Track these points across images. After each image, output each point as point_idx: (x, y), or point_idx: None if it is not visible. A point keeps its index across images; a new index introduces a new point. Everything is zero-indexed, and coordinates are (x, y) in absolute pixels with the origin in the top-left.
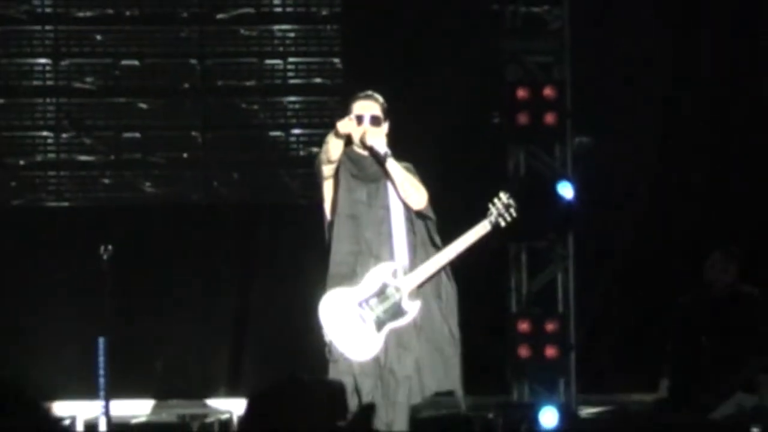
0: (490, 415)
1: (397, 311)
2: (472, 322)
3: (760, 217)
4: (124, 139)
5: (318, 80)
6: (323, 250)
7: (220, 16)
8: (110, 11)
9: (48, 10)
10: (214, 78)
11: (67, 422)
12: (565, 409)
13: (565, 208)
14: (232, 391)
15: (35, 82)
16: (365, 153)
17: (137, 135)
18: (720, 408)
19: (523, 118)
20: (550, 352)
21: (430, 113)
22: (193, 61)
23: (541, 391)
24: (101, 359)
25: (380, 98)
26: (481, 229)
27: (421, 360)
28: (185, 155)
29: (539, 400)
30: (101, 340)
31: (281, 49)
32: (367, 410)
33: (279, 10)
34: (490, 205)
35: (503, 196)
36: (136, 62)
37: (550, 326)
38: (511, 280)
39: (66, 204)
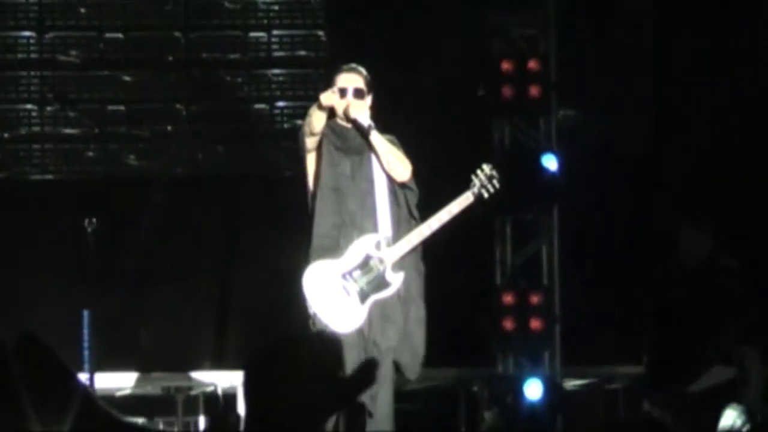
0: (475, 388)
1: (380, 283)
2: (457, 294)
3: (751, 193)
4: (108, 112)
5: (302, 53)
6: (308, 222)
7: None
8: None
9: None
10: (198, 51)
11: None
12: (550, 381)
13: (550, 180)
14: (217, 364)
15: (19, 55)
16: (348, 126)
17: (122, 108)
18: (698, 381)
19: (507, 91)
20: (535, 324)
21: (414, 86)
22: (178, 34)
23: (526, 364)
24: (86, 332)
25: (364, 71)
26: (464, 200)
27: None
28: (170, 128)
29: (524, 373)
30: (86, 313)
31: (265, 21)
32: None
33: None
34: (473, 177)
35: (486, 167)
36: (120, 35)
37: (534, 299)
38: (496, 252)
39: (50, 177)
